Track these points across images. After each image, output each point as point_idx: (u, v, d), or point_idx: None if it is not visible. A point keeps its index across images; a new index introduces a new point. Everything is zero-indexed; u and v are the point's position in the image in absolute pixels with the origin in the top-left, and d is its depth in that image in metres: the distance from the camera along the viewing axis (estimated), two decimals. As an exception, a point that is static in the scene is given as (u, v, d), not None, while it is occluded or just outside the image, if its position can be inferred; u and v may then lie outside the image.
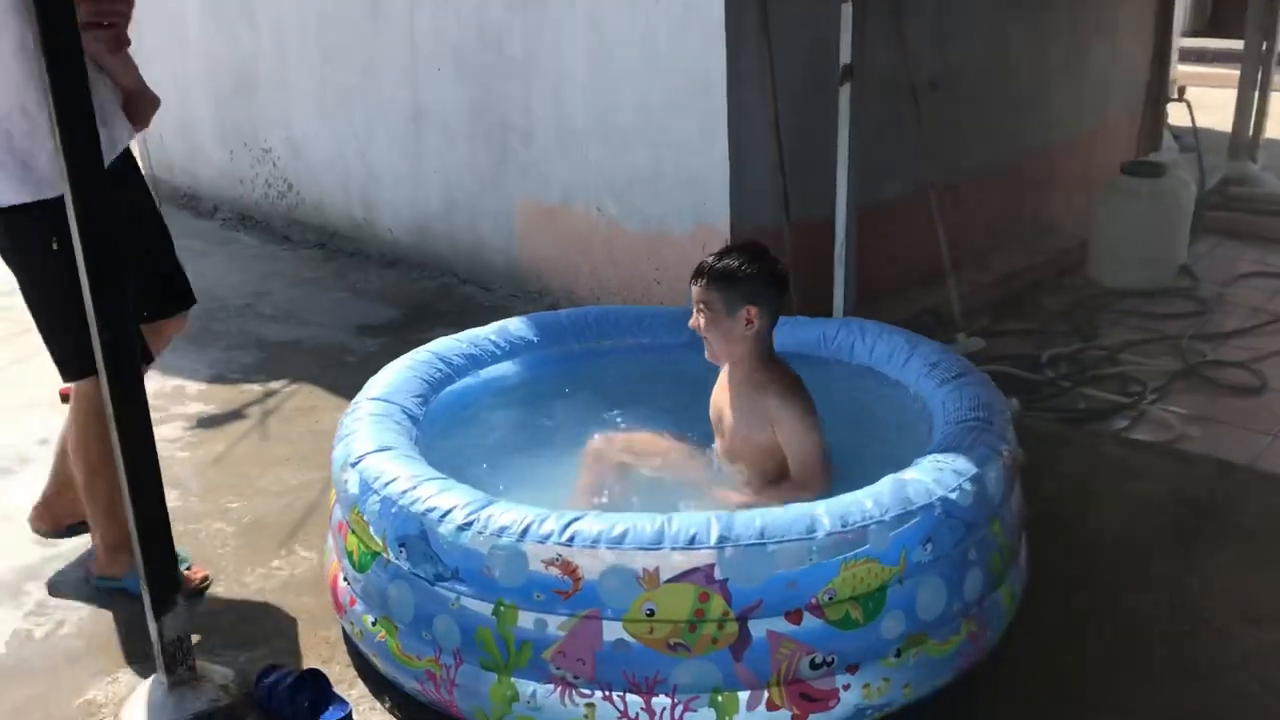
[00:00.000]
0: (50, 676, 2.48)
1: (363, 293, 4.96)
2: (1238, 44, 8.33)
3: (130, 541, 2.48)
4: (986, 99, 4.68)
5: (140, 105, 2.63)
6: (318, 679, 2.37)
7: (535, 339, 3.19)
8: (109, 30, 2.50)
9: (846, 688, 2.16)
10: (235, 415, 3.82)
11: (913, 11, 4.09)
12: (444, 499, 2.24)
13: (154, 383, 4.02)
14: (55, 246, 2.35)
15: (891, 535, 2.16)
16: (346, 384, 3.85)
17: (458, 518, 2.19)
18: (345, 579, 2.49)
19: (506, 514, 2.17)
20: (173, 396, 3.93)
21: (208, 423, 3.77)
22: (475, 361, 3.03)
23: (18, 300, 2.69)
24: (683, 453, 2.74)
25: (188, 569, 2.77)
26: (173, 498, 3.19)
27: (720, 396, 2.69)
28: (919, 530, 2.19)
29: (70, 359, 2.60)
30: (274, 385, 4.02)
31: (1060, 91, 5.18)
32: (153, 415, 3.74)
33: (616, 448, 2.72)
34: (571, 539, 2.11)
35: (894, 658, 2.19)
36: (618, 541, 2.09)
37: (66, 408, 3.82)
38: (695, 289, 2.56)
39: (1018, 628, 2.44)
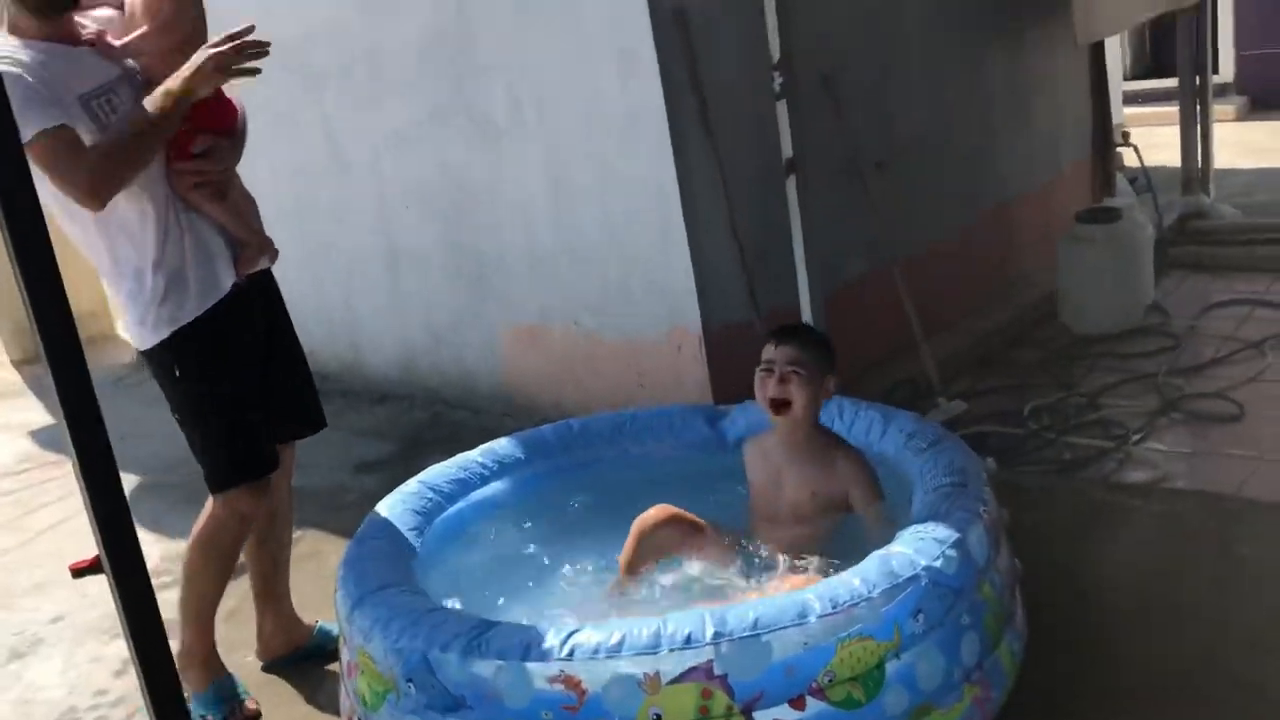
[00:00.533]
0: None
1: (357, 431, 5.05)
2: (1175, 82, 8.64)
3: (211, 661, 2.85)
4: (936, 169, 4.84)
5: (246, 250, 2.78)
6: (342, 824, 2.40)
7: (522, 456, 3.26)
8: (208, 184, 2.68)
9: (860, 768, 2.19)
10: (242, 569, 3.87)
11: (849, 98, 4.25)
12: (445, 629, 2.29)
13: (161, 545, 4.10)
14: (177, 374, 2.69)
15: (882, 611, 2.22)
16: (348, 524, 3.90)
17: (459, 645, 2.24)
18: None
19: (506, 636, 2.23)
20: (179, 559, 3.99)
21: (216, 579, 3.82)
22: (465, 486, 3.10)
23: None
24: (721, 544, 2.78)
25: (246, 700, 2.89)
26: (186, 656, 3.25)
27: (771, 465, 2.82)
28: (908, 603, 2.24)
29: (210, 474, 2.83)
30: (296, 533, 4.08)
31: (1007, 150, 5.35)
32: (163, 581, 3.83)
33: (664, 530, 2.75)
34: (571, 653, 2.16)
35: (902, 731, 2.23)
36: (616, 650, 2.14)
37: (80, 582, 3.92)
38: (787, 350, 2.71)
39: (1024, 686, 2.47)
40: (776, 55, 3.51)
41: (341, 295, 5.36)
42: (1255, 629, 2.67)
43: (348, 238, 5.21)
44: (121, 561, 2.24)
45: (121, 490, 2.26)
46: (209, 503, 2.87)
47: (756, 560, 2.76)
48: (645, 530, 2.73)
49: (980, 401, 4.30)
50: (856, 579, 2.26)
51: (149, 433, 5.52)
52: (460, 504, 3.06)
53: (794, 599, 2.21)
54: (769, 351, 2.78)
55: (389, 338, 5.19)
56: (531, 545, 2.99)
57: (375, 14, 4.62)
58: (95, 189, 2.42)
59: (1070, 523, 3.31)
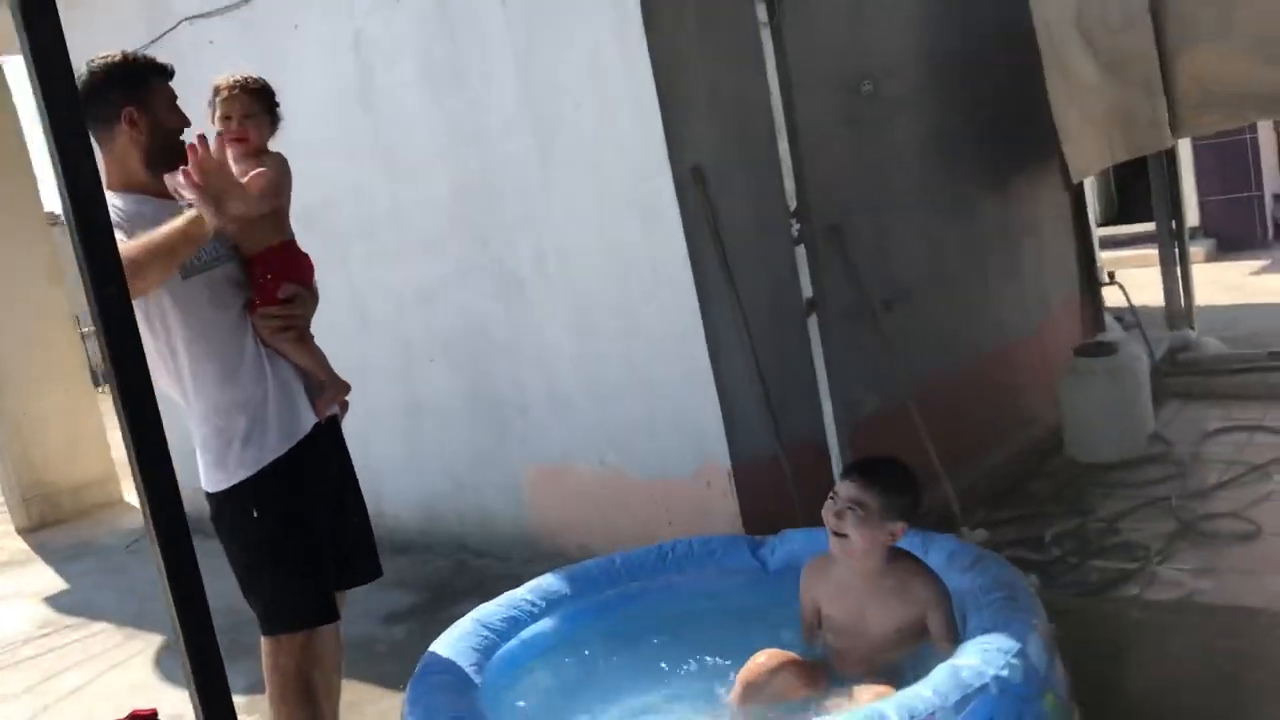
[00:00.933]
0: None
1: (381, 582, 5.04)
2: (1147, 226, 9.05)
3: None
4: (941, 309, 5.05)
5: (325, 392, 2.89)
6: None
7: (569, 591, 3.31)
8: (292, 329, 2.80)
9: None
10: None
11: (855, 245, 4.48)
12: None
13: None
14: (255, 514, 2.73)
15: (959, 718, 2.27)
16: (381, 673, 3.91)
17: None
18: None
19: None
20: (214, 714, 3.94)
21: (257, 734, 3.78)
22: (516, 623, 3.14)
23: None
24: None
25: None
26: (232, 815, 3.20)
27: (852, 600, 2.78)
28: (981, 710, 2.30)
29: (263, 616, 2.83)
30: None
31: (1004, 291, 5.58)
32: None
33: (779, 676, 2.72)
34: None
35: (984, 836, 2.25)
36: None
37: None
38: (848, 486, 2.71)
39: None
40: (793, 204, 3.73)
41: (359, 448, 5.41)
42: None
43: (368, 391, 5.29)
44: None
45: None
46: (266, 658, 2.85)
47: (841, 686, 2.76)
48: (755, 681, 2.69)
49: (1000, 531, 4.39)
50: (929, 690, 2.32)
51: (168, 593, 5.52)
52: (514, 641, 3.09)
53: (873, 709, 2.26)
54: (840, 483, 2.81)
55: (409, 488, 5.25)
56: (588, 680, 3.02)
57: (398, 178, 4.86)
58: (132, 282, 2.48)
59: (1110, 640, 3.36)
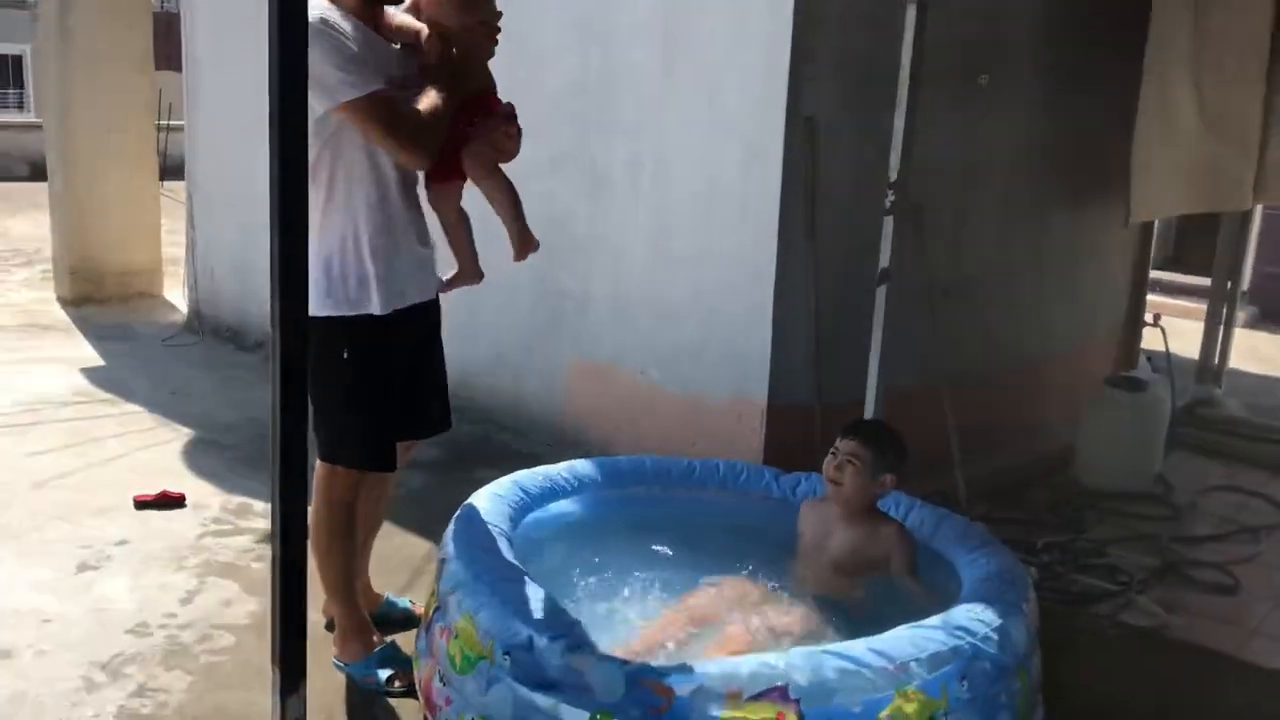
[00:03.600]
0: (159, 752, 2.70)
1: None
2: (1194, 279, 9.16)
3: (362, 631, 2.98)
4: (991, 311, 5.21)
5: (459, 278, 3.18)
6: (415, 769, 2.61)
7: (600, 479, 3.54)
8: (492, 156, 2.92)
9: (900, 816, 2.44)
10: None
11: (933, 227, 4.63)
12: (555, 618, 2.55)
13: (221, 498, 4.32)
14: (345, 355, 2.84)
15: (935, 671, 2.49)
16: (397, 513, 4.15)
17: (567, 636, 2.49)
18: (441, 680, 2.76)
19: (609, 637, 2.49)
20: (239, 512, 4.20)
21: (275, 539, 4.03)
22: (552, 493, 3.37)
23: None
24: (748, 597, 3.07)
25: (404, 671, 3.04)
26: (252, 604, 3.47)
27: (824, 523, 3.21)
28: (957, 668, 2.51)
29: (325, 444, 2.97)
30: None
31: (1054, 308, 5.74)
32: (224, 529, 4.05)
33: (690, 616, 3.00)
34: (665, 670, 2.42)
35: (940, 789, 2.49)
36: (705, 666, 2.42)
37: (142, 515, 4.11)
38: (849, 443, 3.12)
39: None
40: (895, 175, 3.88)
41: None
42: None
43: (445, 251, 5.50)
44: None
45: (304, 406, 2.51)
46: (319, 481, 3.02)
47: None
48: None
49: (996, 528, 4.55)
50: (915, 638, 2.54)
51: (200, 392, 5.78)
52: (546, 508, 3.33)
53: (861, 644, 2.48)
54: (839, 439, 3.22)
55: (454, 351, 5.43)
56: (605, 559, 3.25)
57: (519, 61, 4.96)
58: (418, 147, 2.71)
59: (1080, 650, 3.59)
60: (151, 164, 7.84)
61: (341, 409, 2.94)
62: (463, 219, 3.12)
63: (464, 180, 2.99)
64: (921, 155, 4.29)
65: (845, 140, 4.24)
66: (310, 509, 3.03)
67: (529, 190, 5.19)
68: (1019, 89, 5.11)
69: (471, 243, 3.15)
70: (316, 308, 2.89)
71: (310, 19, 2.39)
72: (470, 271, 3.19)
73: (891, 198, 3.91)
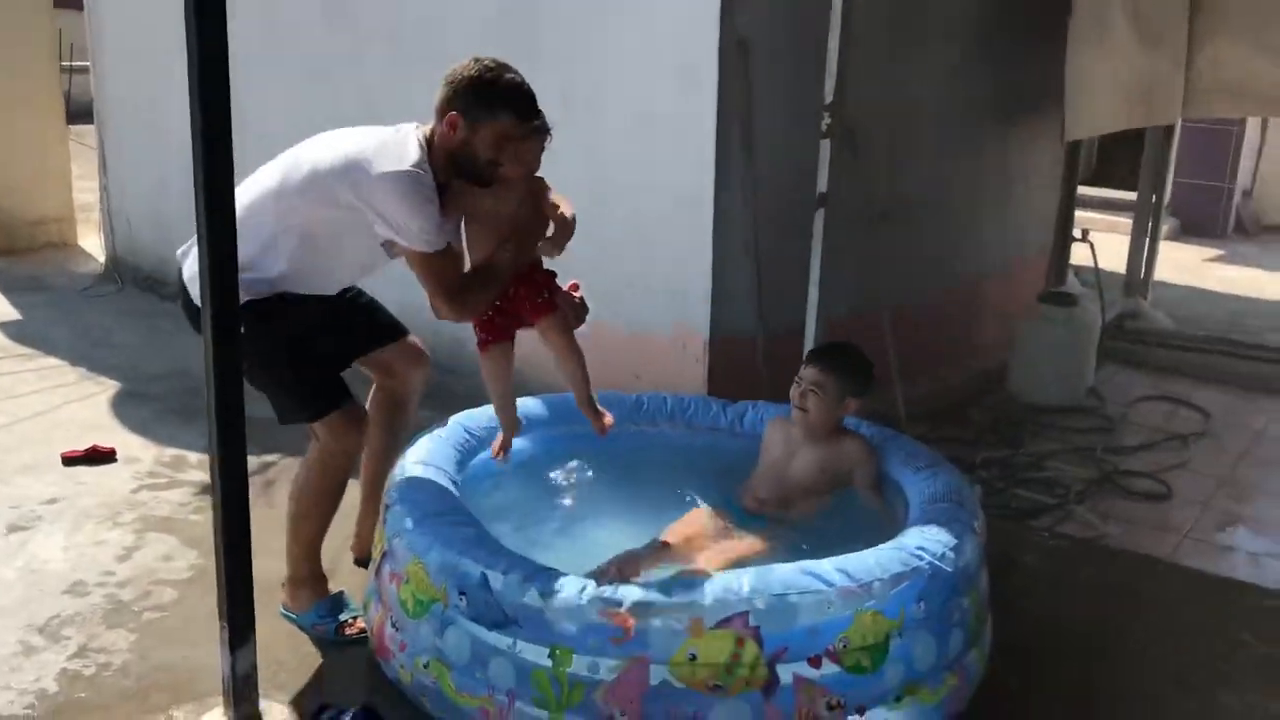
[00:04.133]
0: (106, 712, 2.64)
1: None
2: (1117, 193, 9.29)
3: (316, 581, 2.96)
4: (928, 232, 5.22)
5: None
6: (372, 715, 2.58)
7: (546, 416, 3.51)
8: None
9: (855, 729, 2.48)
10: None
11: (868, 151, 4.60)
12: (504, 558, 2.52)
13: (153, 450, 4.20)
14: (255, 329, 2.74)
15: (893, 592, 2.52)
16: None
17: (521, 571, 2.47)
18: (394, 626, 2.72)
19: (566, 569, 2.47)
20: (174, 465, 4.09)
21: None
22: (495, 434, 3.32)
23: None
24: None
25: (358, 618, 3.01)
26: (192, 557, 3.39)
27: (791, 443, 3.23)
28: (914, 588, 2.55)
29: (283, 410, 2.99)
30: (268, 458, 4.20)
31: (987, 228, 5.78)
32: (159, 482, 3.95)
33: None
34: (624, 598, 2.40)
35: (895, 703, 2.52)
36: (666, 594, 2.41)
37: (71, 471, 3.99)
38: (811, 371, 3.13)
39: (984, 688, 2.80)
40: (830, 98, 3.83)
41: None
42: (1182, 672, 3.05)
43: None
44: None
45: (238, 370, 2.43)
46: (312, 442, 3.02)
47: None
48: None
49: (937, 447, 4.59)
50: (873, 560, 2.56)
51: (124, 343, 5.61)
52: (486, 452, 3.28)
53: (819, 567, 2.49)
54: (803, 366, 3.24)
55: (390, 294, 5.32)
56: (556, 498, 3.23)
57: (439, -17, 4.81)
58: (464, 307, 2.87)
59: (1022, 562, 3.67)
60: (58, 108, 7.48)
61: (277, 376, 2.92)
62: (507, 378, 3.14)
63: (511, 340, 3.08)
64: (856, 78, 4.25)
65: (779, 64, 4.18)
66: (303, 467, 3.01)
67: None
68: (953, 10, 5.07)
69: (513, 404, 3.18)
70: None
71: (406, 166, 2.67)
72: (511, 430, 3.20)
73: (827, 121, 3.87)
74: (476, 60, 2.79)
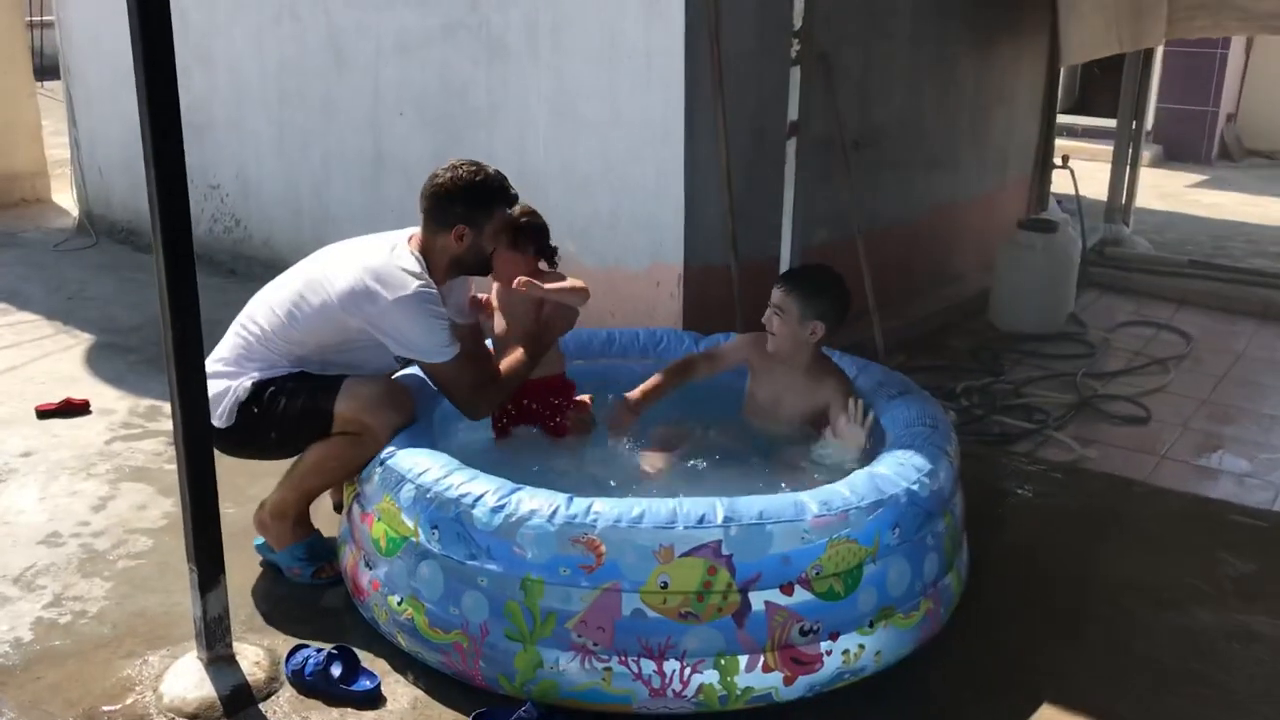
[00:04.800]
0: (82, 659, 2.63)
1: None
2: (1101, 121, 9.22)
3: (299, 524, 2.97)
4: (904, 159, 5.17)
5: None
6: (347, 654, 2.58)
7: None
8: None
9: (829, 653, 2.48)
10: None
11: (841, 77, 4.54)
12: (475, 486, 2.50)
13: (128, 401, 4.17)
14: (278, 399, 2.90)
15: (867, 520, 2.51)
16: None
17: (490, 502, 2.45)
18: (366, 565, 2.72)
19: (536, 499, 2.45)
20: (148, 415, 4.05)
21: (187, 439, 3.92)
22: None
23: None
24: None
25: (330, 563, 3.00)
26: (166, 506, 3.38)
27: (775, 385, 3.22)
28: (889, 516, 2.55)
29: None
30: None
31: (966, 153, 5.72)
32: (133, 432, 3.92)
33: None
34: (596, 521, 2.39)
35: (868, 628, 2.53)
36: (637, 521, 2.39)
37: (45, 424, 3.96)
38: (776, 293, 3.09)
39: (961, 610, 2.81)
40: (798, 23, 3.76)
41: (314, 190, 5.44)
42: (1159, 588, 3.06)
43: (332, 135, 5.29)
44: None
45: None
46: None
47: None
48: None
49: (916, 376, 4.57)
50: (847, 489, 2.55)
51: (98, 296, 5.56)
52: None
53: (794, 497, 2.48)
54: (773, 290, 3.17)
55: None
56: (531, 437, 3.21)
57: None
58: (483, 404, 3.00)
59: (1002, 487, 3.68)
60: (25, 62, 7.34)
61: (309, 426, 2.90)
62: None
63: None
64: (825, 2, 4.18)
65: (748, -10, 4.09)
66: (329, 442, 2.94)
67: (421, 58, 5.08)
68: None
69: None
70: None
71: (411, 288, 2.78)
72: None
73: (797, 47, 3.80)
74: (452, 169, 2.92)
